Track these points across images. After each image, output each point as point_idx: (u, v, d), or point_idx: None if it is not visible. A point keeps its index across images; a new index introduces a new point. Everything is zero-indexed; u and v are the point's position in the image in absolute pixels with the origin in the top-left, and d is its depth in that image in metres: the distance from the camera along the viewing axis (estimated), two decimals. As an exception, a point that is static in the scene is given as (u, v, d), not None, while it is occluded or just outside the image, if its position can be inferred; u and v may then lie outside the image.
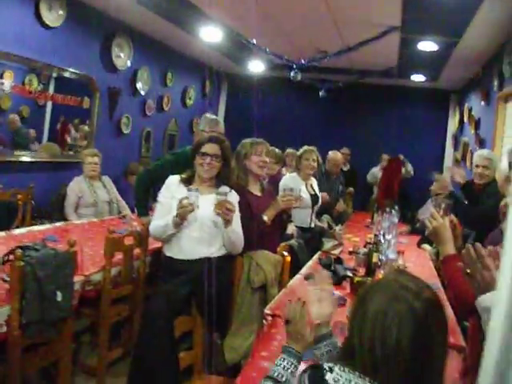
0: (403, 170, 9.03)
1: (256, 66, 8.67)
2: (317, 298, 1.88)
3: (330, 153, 6.76)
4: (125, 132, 7.44)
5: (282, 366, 1.71)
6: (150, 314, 2.98)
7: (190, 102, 9.40)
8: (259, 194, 3.86)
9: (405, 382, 1.32)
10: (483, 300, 1.56)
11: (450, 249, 2.15)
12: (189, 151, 3.65)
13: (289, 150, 6.79)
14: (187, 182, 3.44)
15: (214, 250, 3.38)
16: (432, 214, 2.25)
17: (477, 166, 4.42)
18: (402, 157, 8.91)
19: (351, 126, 10.28)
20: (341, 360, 1.41)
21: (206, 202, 3.24)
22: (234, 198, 3.43)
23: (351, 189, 8.56)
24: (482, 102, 7.22)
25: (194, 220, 3.30)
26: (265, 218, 3.60)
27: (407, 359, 1.30)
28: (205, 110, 10.02)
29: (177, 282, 3.18)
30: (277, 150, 5.86)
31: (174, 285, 3.17)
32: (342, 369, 1.37)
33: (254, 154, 3.79)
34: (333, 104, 10.04)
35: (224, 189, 3.33)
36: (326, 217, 5.86)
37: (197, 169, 3.43)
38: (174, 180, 3.48)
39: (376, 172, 9.43)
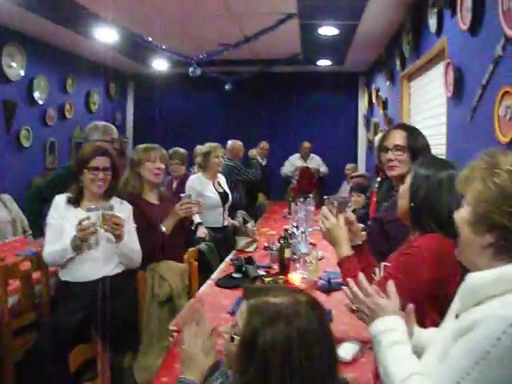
0: (318, 173, 9.18)
1: (159, 65, 8.46)
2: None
3: (229, 142, 6.68)
4: (25, 145, 7.02)
5: None
6: (34, 350, 2.73)
7: (94, 107, 9.03)
8: (156, 202, 3.67)
9: None
10: (372, 328, 1.53)
11: (345, 250, 2.03)
12: None
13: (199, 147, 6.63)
14: (75, 201, 3.19)
15: (112, 268, 3.17)
16: (324, 214, 2.09)
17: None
18: (313, 168, 9.04)
19: (263, 118, 10.15)
20: None
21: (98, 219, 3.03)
22: (125, 208, 3.24)
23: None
24: (388, 83, 7.31)
25: (96, 241, 3.09)
26: (163, 228, 3.43)
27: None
28: (112, 113, 9.74)
29: (68, 308, 2.94)
30: (182, 150, 5.67)
31: (64, 312, 2.92)
32: None
33: (147, 160, 3.59)
34: (242, 97, 9.91)
35: (110, 202, 3.13)
36: (241, 212, 5.71)
37: (87, 185, 3.18)
38: (60, 200, 3.21)
39: (294, 160, 9.41)
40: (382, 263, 1.95)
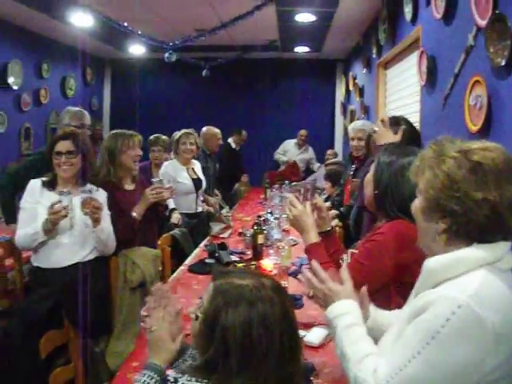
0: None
1: (136, 50, 8.38)
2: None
3: (203, 129, 6.21)
4: (0, 131, 6.96)
5: (142, 381, 1.57)
6: (4, 336, 2.71)
7: (71, 93, 8.93)
8: (130, 188, 3.65)
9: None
10: (327, 313, 1.56)
11: (312, 237, 2.04)
12: None
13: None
14: (50, 185, 3.15)
15: (86, 254, 3.15)
16: (290, 201, 2.10)
17: (352, 139, 4.44)
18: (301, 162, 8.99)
19: (241, 104, 10.15)
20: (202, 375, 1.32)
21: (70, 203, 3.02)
22: (101, 195, 3.22)
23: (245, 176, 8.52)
24: (364, 70, 7.34)
25: (70, 226, 3.06)
26: (134, 214, 3.42)
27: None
28: (89, 98, 9.65)
29: (38, 294, 2.92)
30: (164, 136, 5.60)
31: (35, 298, 2.90)
32: (188, 379, 1.32)
33: (128, 147, 3.55)
34: (219, 83, 9.89)
35: (88, 186, 3.12)
36: (216, 198, 5.72)
37: (56, 170, 3.16)
38: (36, 184, 3.17)
39: (289, 145, 9.31)
40: (350, 250, 1.98)
